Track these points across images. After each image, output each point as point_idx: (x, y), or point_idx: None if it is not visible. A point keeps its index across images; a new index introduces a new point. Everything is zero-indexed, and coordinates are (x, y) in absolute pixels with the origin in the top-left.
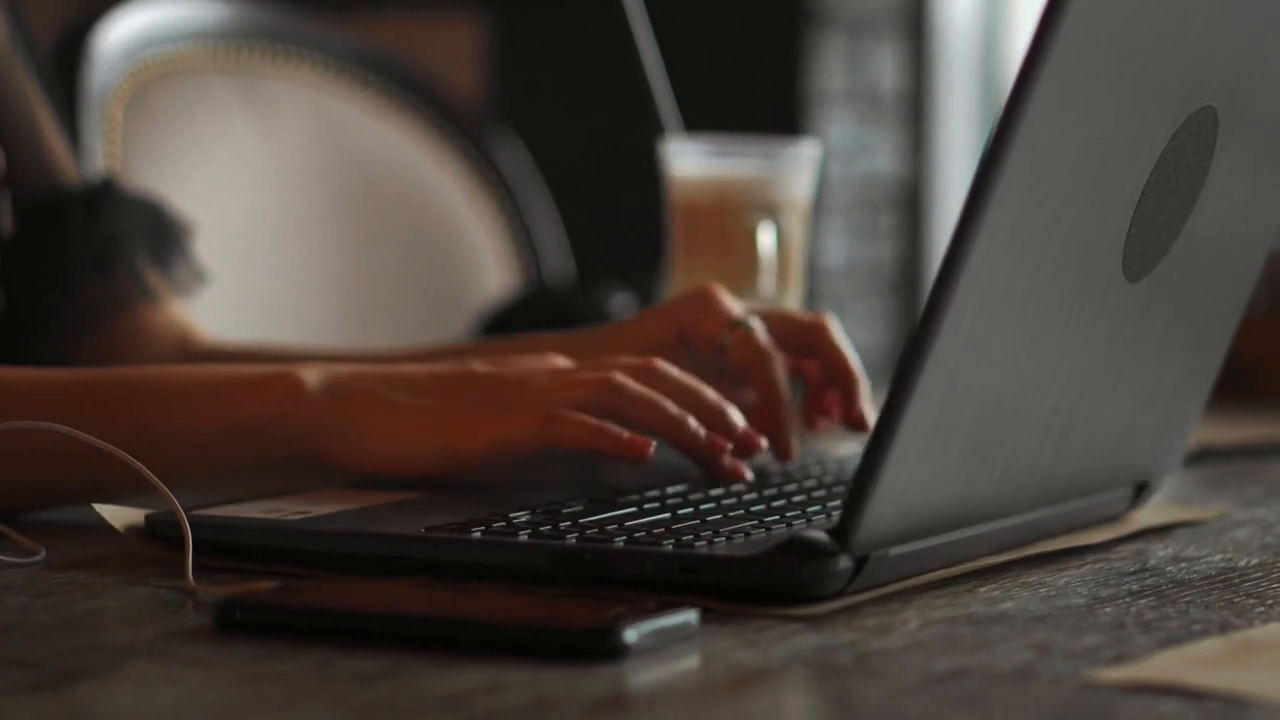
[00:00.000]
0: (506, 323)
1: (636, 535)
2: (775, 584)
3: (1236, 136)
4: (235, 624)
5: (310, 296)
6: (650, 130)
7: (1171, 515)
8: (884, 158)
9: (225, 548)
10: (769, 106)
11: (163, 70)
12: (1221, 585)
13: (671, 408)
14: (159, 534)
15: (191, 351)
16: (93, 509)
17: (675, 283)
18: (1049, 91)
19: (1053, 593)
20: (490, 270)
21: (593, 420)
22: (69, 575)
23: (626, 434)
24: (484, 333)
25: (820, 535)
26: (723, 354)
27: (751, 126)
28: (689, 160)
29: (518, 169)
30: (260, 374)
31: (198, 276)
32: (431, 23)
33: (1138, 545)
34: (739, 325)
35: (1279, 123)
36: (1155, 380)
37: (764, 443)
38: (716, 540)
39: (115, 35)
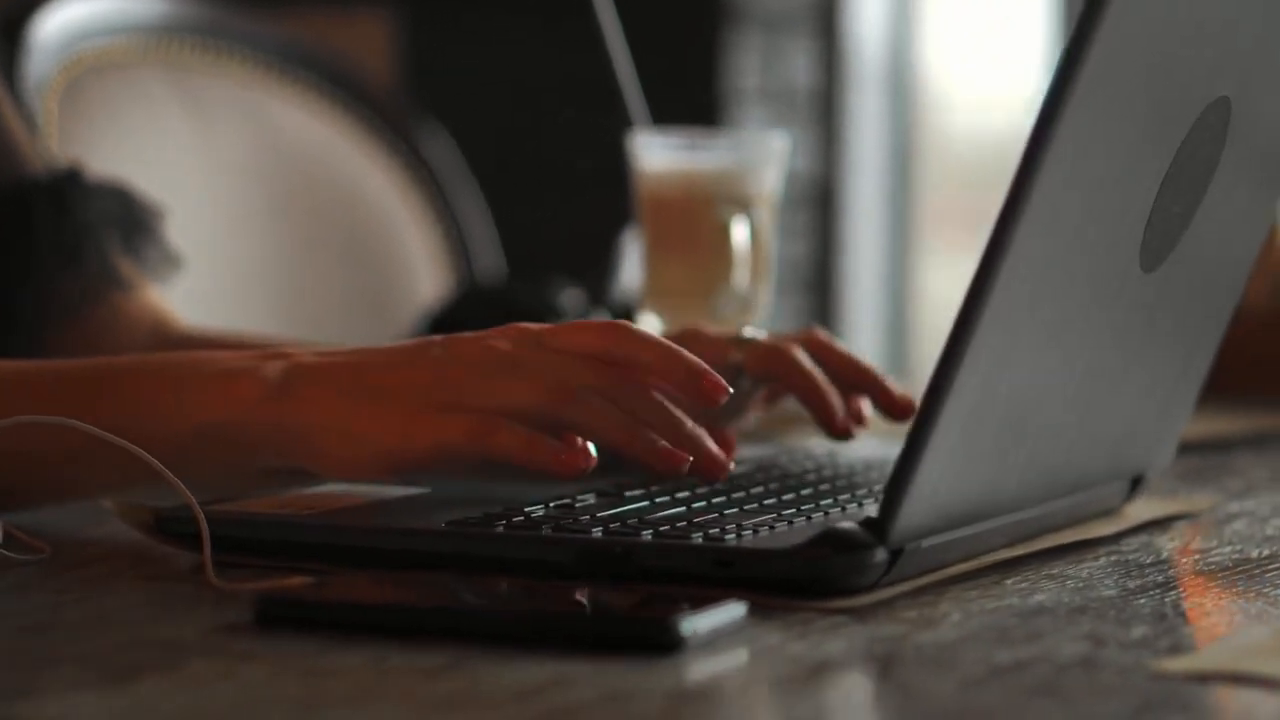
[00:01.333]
0: (453, 318)
1: (662, 529)
2: (811, 577)
3: (1245, 128)
4: (276, 619)
5: (243, 294)
6: (571, 125)
7: (1167, 508)
8: (798, 155)
9: (238, 543)
10: (685, 104)
11: (96, 64)
12: (1243, 576)
13: (624, 417)
14: (169, 530)
15: (167, 338)
16: (87, 503)
17: (646, 278)
18: (1086, 91)
19: (1080, 584)
20: (421, 266)
21: (526, 432)
22: (83, 572)
23: (560, 450)
24: (429, 329)
25: (856, 528)
26: (737, 373)
27: (668, 123)
28: (658, 154)
29: (447, 164)
30: (223, 371)
31: (170, 261)
32: (342, 18)
33: (1143, 538)
34: (742, 339)
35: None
36: (1158, 371)
37: (720, 454)
38: (743, 534)
39: (49, 27)
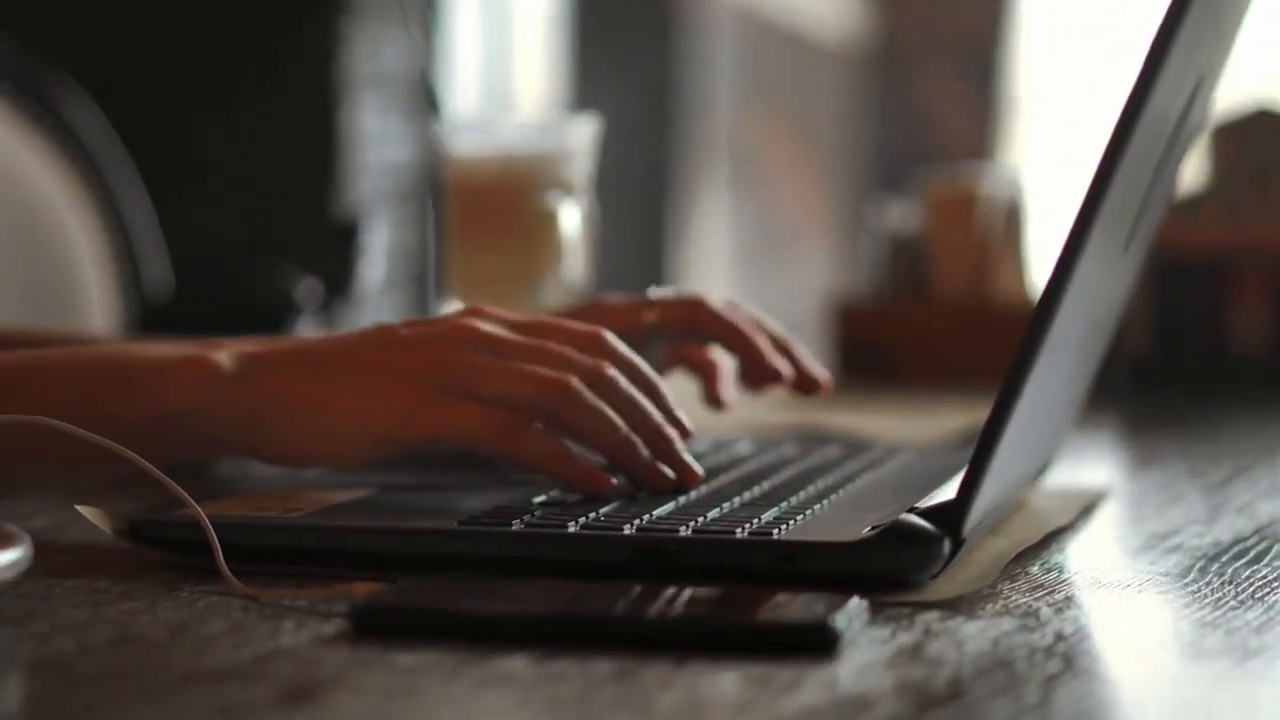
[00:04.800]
0: (177, 310)
1: (703, 524)
2: (880, 570)
3: (1199, 106)
4: (374, 629)
5: None
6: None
7: (1080, 497)
8: (407, 145)
9: (230, 550)
10: (301, 95)
11: None
12: (1246, 556)
13: (622, 429)
14: (144, 535)
15: None
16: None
17: (455, 267)
18: (1159, 97)
19: (1113, 571)
20: (85, 256)
21: (554, 441)
22: (84, 582)
23: (588, 465)
24: (147, 320)
25: (922, 521)
26: (653, 335)
27: (284, 116)
28: (469, 138)
29: (105, 150)
30: (175, 359)
31: None
32: None
33: (1093, 526)
34: (650, 300)
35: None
36: (1090, 355)
37: (701, 471)
38: (782, 527)
39: None
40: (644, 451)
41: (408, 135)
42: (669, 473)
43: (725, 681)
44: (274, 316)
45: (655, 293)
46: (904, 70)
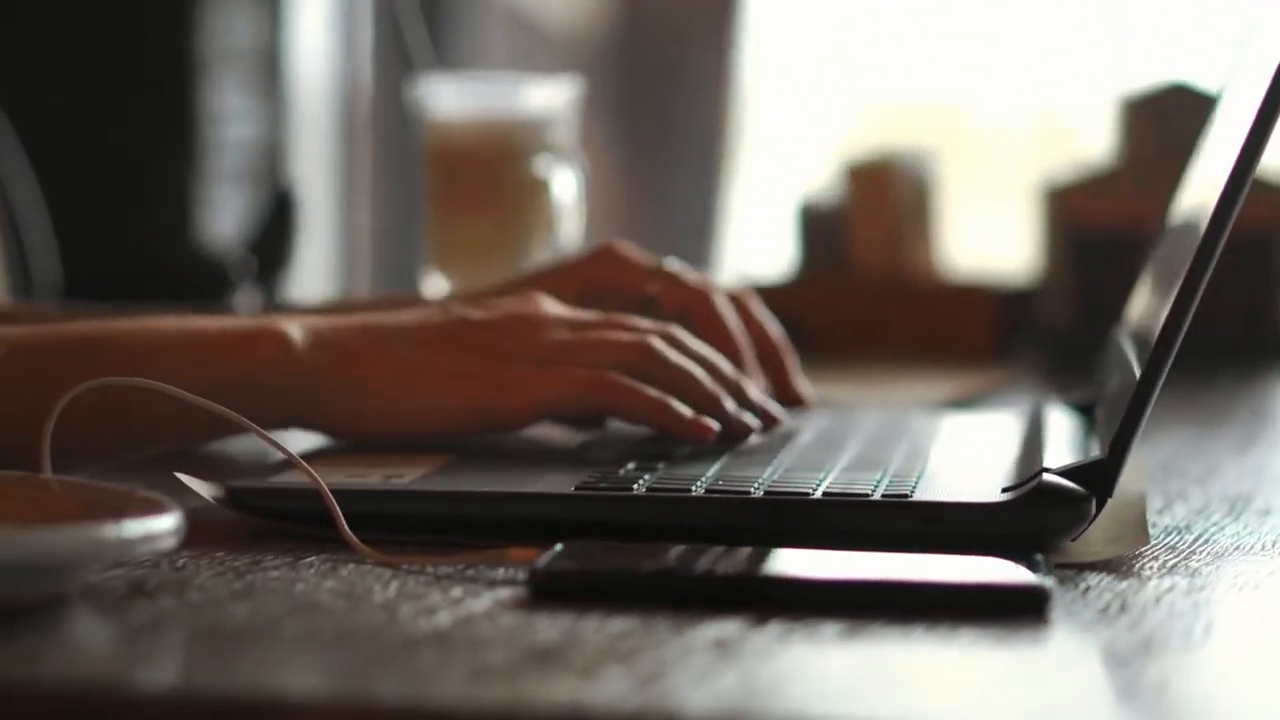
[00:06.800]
0: (111, 290)
1: (825, 486)
2: (1027, 531)
3: None
4: (549, 592)
5: None
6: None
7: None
8: (257, 123)
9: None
10: (155, 70)
11: None
12: None
13: (707, 383)
14: (242, 503)
15: None
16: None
17: (434, 236)
18: None
19: (1217, 535)
20: None
21: (652, 391)
22: (202, 551)
23: (690, 413)
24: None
25: (1065, 481)
26: (650, 306)
27: (138, 90)
28: (454, 100)
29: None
30: (243, 330)
31: None
32: None
33: (1160, 492)
34: (662, 270)
35: None
36: None
37: (782, 414)
38: (914, 490)
39: None
40: (730, 403)
41: (257, 112)
42: (753, 421)
43: (962, 643)
44: (208, 291)
45: (670, 264)
46: (654, 58)
